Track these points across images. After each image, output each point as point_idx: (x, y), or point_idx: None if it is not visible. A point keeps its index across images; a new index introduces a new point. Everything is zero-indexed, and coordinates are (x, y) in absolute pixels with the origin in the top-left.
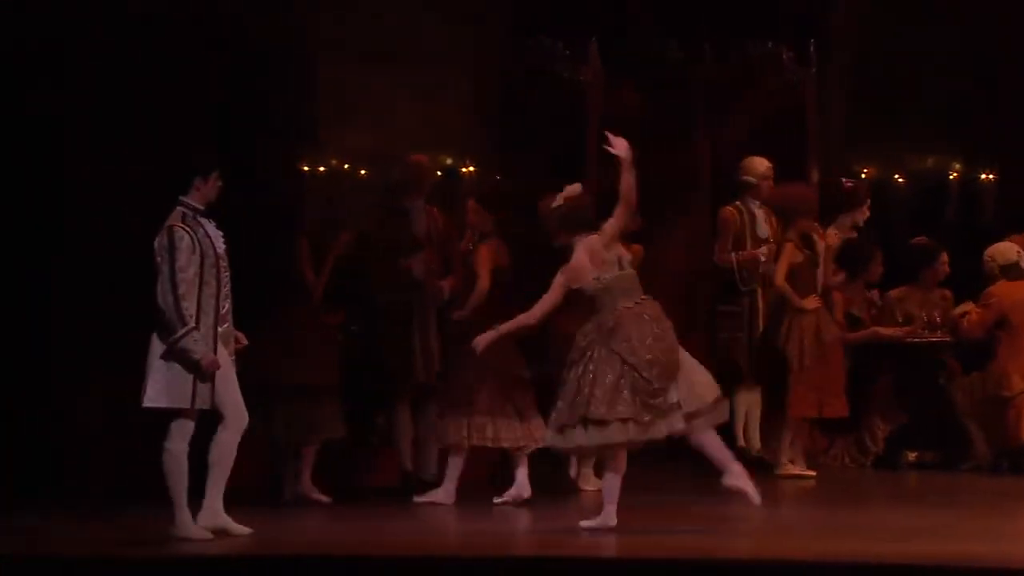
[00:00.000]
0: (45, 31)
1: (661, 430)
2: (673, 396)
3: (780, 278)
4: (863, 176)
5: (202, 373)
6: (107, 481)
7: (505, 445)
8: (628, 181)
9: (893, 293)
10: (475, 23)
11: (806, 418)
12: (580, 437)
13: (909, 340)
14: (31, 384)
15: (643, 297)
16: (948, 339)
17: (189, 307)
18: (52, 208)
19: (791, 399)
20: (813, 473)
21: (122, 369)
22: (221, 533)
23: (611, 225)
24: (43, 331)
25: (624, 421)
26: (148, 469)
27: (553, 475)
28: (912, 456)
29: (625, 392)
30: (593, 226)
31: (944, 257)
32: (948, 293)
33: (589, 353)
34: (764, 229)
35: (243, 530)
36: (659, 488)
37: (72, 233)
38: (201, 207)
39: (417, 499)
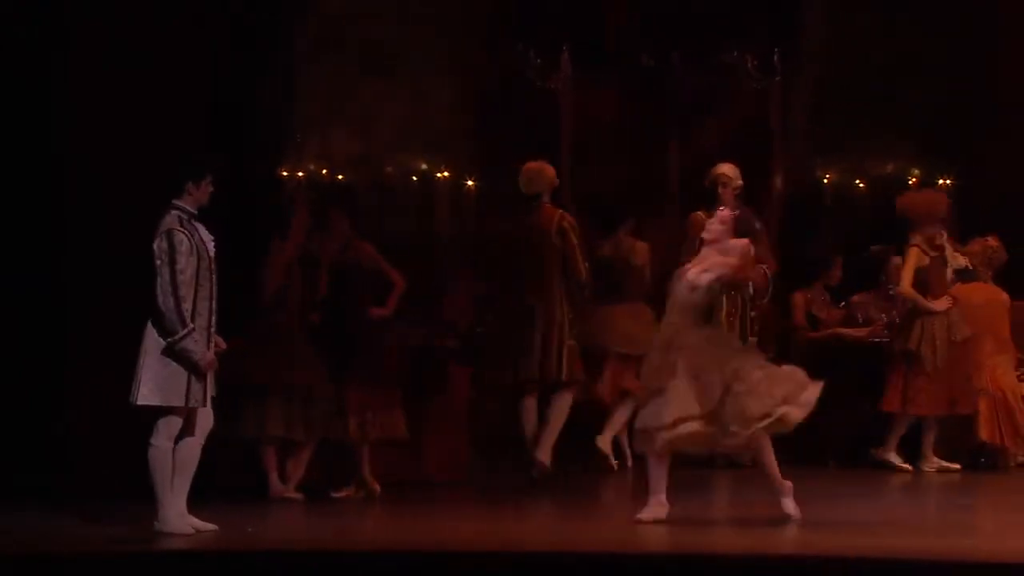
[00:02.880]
0: (48, 29)
1: None
2: None
3: (906, 284)
4: (825, 181)
5: (199, 373)
6: (106, 480)
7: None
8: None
9: (855, 298)
10: (456, 32)
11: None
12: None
13: (871, 340)
14: (32, 384)
15: None
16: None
17: (188, 308)
18: (57, 206)
19: (923, 399)
20: (957, 467)
21: (122, 368)
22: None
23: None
24: (46, 331)
25: None
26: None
27: (566, 473)
28: (873, 454)
29: None
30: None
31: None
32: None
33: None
34: None
35: (209, 527)
36: (635, 486)
37: (77, 231)
38: (194, 211)
39: (335, 495)
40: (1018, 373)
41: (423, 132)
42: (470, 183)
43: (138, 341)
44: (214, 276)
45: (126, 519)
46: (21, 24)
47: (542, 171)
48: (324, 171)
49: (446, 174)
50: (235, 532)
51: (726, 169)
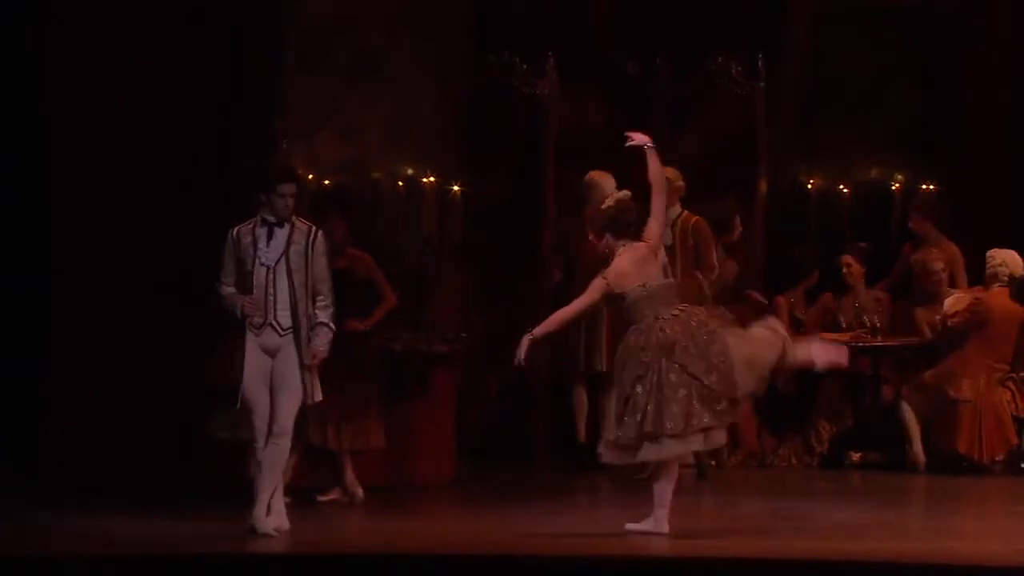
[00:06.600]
0: (36, 36)
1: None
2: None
3: None
4: (808, 186)
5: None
6: (101, 481)
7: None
8: (655, 168)
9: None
10: (442, 39)
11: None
12: (650, 452)
13: (854, 344)
14: (26, 384)
15: (683, 306)
16: (890, 343)
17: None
18: (43, 207)
19: None
20: None
21: (115, 369)
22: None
23: (653, 230)
24: (37, 330)
25: (703, 431)
26: (140, 469)
27: (552, 476)
28: (856, 456)
29: (695, 403)
30: (638, 232)
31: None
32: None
33: (655, 367)
34: (667, 236)
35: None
36: (603, 488)
37: (68, 232)
38: (269, 217)
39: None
40: (1009, 376)
41: (414, 139)
42: (456, 188)
43: (131, 341)
44: (271, 284)
45: (123, 522)
46: (7, 33)
47: (605, 179)
48: (311, 176)
49: (432, 179)
50: (221, 536)
51: (667, 172)
